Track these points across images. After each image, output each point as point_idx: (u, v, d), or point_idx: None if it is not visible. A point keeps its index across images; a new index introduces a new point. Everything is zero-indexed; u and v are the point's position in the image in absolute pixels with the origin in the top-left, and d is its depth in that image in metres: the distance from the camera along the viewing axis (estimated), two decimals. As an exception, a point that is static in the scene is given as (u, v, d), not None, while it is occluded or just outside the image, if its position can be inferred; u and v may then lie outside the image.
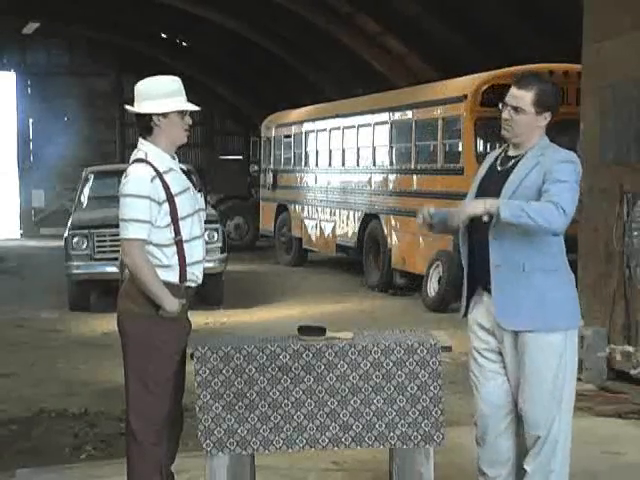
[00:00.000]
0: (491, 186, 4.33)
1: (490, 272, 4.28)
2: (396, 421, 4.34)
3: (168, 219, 4.25)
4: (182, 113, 4.34)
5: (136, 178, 4.23)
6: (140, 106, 4.32)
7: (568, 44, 10.33)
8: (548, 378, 4.28)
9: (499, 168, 4.39)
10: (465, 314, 4.50)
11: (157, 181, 4.23)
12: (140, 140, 4.38)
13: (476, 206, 4.17)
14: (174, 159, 4.41)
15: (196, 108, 4.38)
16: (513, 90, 4.32)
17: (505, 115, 4.34)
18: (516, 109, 4.28)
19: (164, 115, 4.29)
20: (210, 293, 12.85)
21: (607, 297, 8.28)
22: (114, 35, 27.77)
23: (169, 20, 25.10)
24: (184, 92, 4.38)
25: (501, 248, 4.24)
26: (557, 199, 4.08)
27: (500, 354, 4.40)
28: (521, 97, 4.27)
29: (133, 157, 4.36)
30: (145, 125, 4.33)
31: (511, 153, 4.39)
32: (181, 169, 4.45)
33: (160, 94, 4.30)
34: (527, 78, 4.37)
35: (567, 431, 4.37)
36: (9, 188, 30.64)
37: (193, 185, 4.49)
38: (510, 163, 4.35)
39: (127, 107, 4.42)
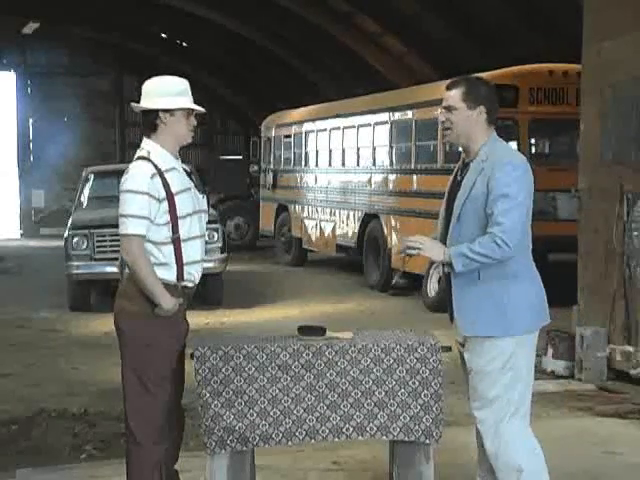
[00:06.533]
0: (453, 197, 4.35)
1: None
2: (398, 413, 4.34)
3: (167, 217, 4.26)
4: (188, 113, 4.36)
5: (135, 174, 4.25)
6: (147, 102, 4.34)
7: (568, 44, 10.34)
8: (490, 381, 4.25)
9: (459, 177, 4.39)
10: (452, 319, 4.47)
11: (157, 178, 4.25)
12: (144, 139, 4.39)
13: (438, 256, 4.25)
14: (177, 159, 4.42)
15: (202, 110, 4.41)
16: (445, 94, 4.35)
17: (441, 118, 4.38)
18: (448, 108, 4.31)
19: (170, 113, 4.31)
20: (210, 293, 12.87)
21: (607, 297, 8.27)
22: (114, 35, 27.77)
23: (169, 20, 25.10)
24: (191, 94, 4.40)
25: None
26: (498, 229, 4.10)
27: None
28: (451, 96, 4.31)
29: (136, 155, 4.38)
30: (151, 122, 4.34)
31: (466, 160, 4.39)
32: (184, 170, 4.46)
33: (168, 92, 4.32)
34: (455, 79, 4.40)
35: (522, 434, 4.28)
36: (9, 188, 30.64)
37: (197, 187, 4.50)
38: (465, 171, 4.35)
39: (133, 104, 4.43)
